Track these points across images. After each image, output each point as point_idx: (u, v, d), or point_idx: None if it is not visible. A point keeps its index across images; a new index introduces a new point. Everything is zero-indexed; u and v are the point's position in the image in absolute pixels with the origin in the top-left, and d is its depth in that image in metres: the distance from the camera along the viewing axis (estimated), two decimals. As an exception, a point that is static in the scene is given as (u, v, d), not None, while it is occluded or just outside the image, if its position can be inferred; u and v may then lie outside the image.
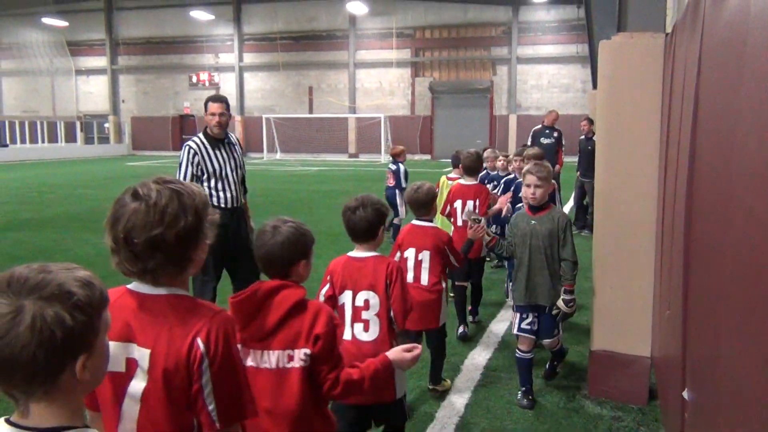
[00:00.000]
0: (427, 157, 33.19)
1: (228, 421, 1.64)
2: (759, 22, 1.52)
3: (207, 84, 37.08)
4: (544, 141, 11.60)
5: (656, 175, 4.16)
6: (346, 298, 2.98)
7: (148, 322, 1.66)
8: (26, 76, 39.46)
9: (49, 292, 1.18)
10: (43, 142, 36.64)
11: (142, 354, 1.64)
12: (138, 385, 1.65)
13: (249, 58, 36.79)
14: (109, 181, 20.64)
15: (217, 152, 5.30)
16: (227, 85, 36.92)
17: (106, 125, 39.67)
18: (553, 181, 4.42)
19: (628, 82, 4.23)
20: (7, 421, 1.22)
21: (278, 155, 35.05)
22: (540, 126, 12.11)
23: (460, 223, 5.84)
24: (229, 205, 5.33)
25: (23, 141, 35.34)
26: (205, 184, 5.26)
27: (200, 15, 35.57)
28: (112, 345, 1.54)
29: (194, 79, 37.55)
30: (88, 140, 39.59)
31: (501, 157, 7.73)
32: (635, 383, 4.32)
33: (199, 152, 5.22)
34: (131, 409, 1.66)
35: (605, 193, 4.37)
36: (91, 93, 39.91)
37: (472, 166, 5.94)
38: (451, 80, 33.88)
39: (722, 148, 1.93)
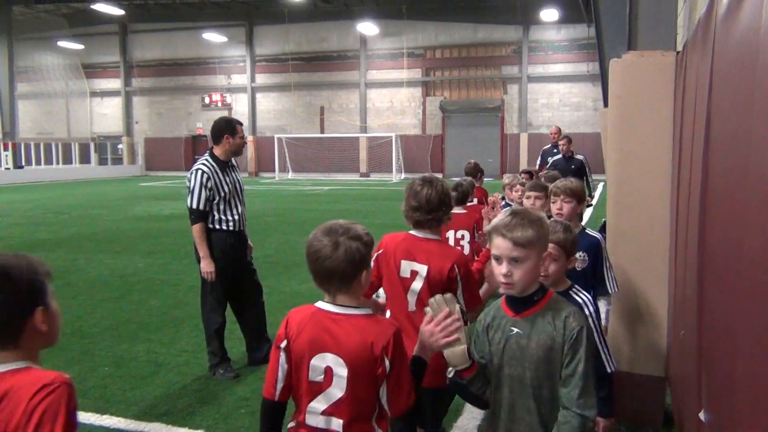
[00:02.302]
0: (439, 175, 33.12)
1: (471, 305, 3.13)
2: (770, 40, 1.52)
3: (219, 105, 37.47)
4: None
5: (668, 195, 4.13)
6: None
7: (424, 250, 3.11)
8: (42, 98, 40.05)
9: (353, 234, 2.16)
10: (57, 163, 37.07)
11: (421, 268, 3.09)
12: (417, 285, 3.09)
13: (261, 78, 37.15)
14: (122, 201, 20.80)
15: (226, 176, 5.24)
16: (239, 106, 37.27)
17: (120, 146, 40.10)
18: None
19: (639, 100, 4.22)
20: (323, 302, 2.21)
21: (290, 175, 35.24)
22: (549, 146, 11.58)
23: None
24: (236, 228, 5.30)
25: (38, 163, 35.77)
26: (215, 208, 5.19)
27: (213, 37, 36.04)
28: (403, 263, 3.11)
29: (207, 100, 37.96)
30: (102, 161, 40.01)
31: (518, 186, 6.28)
32: (650, 404, 4.26)
33: (212, 176, 5.13)
34: (412, 299, 3.10)
35: (617, 213, 4.35)
36: (105, 115, 40.41)
37: (472, 171, 7.50)
38: (461, 99, 34.02)
39: (735, 167, 1.92)
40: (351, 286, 2.17)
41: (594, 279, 3.82)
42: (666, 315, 4.24)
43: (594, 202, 10.41)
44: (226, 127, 5.24)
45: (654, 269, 4.22)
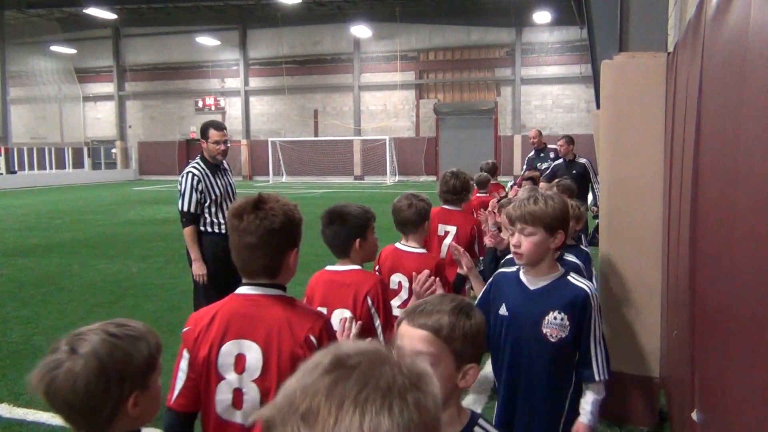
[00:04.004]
0: (433, 178, 33.21)
1: (482, 253, 4.65)
2: (758, 39, 1.53)
3: (213, 108, 37.39)
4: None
5: (661, 195, 4.15)
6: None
7: (453, 217, 4.63)
8: (35, 103, 39.89)
9: (421, 198, 3.57)
10: (51, 168, 36.91)
11: (452, 228, 4.58)
12: (448, 240, 4.45)
13: (254, 82, 37.12)
14: (116, 206, 20.72)
15: (217, 179, 5.27)
16: (233, 110, 37.22)
17: (114, 151, 39.97)
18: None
19: (630, 101, 4.24)
20: (399, 243, 3.63)
21: (284, 178, 35.19)
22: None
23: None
24: (228, 232, 5.32)
25: (31, 167, 35.60)
26: (206, 211, 5.20)
27: (206, 41, 35.98)
28: (440, 226, 4.55)
29: (200, 104, 37.86)
30: (96, 166, 39.87)
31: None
32: (644, 404, 4.27)
33: (202, 179, 5.16)
34: (444, 250, 4.36)
35: (611, 214, 4.36)
36: (99, 119, 40.29)
37: (490, 170, 8.35)
38: (455, 102, 34.05)
39: (725, 166, 1.93)
40: (418, 231, 3.54)
41: (578, 353, 2.54)
42: (659, 315, 4.25)
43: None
44: (202, 133, 5.32)
45: (647, 270, 4.23)
